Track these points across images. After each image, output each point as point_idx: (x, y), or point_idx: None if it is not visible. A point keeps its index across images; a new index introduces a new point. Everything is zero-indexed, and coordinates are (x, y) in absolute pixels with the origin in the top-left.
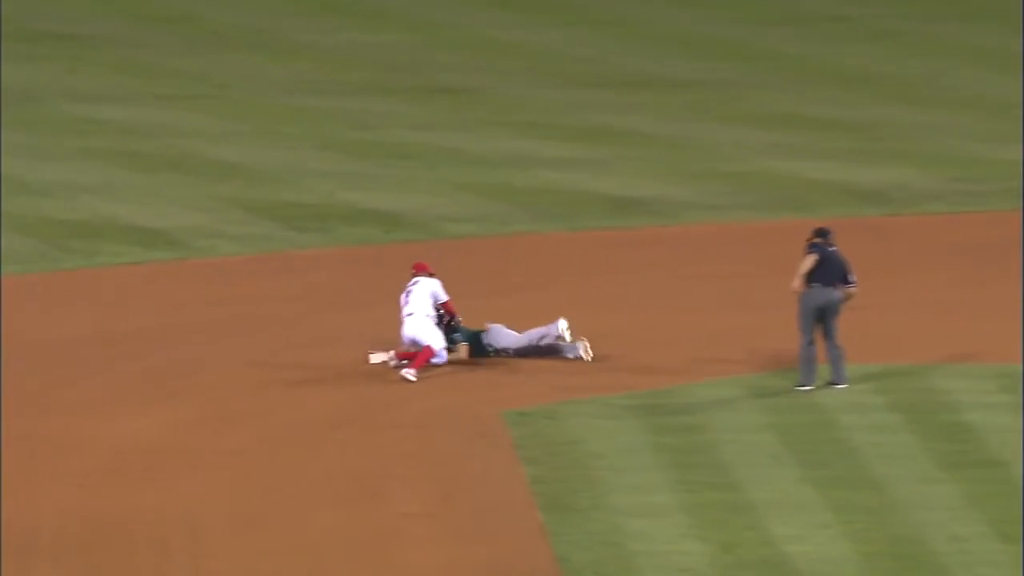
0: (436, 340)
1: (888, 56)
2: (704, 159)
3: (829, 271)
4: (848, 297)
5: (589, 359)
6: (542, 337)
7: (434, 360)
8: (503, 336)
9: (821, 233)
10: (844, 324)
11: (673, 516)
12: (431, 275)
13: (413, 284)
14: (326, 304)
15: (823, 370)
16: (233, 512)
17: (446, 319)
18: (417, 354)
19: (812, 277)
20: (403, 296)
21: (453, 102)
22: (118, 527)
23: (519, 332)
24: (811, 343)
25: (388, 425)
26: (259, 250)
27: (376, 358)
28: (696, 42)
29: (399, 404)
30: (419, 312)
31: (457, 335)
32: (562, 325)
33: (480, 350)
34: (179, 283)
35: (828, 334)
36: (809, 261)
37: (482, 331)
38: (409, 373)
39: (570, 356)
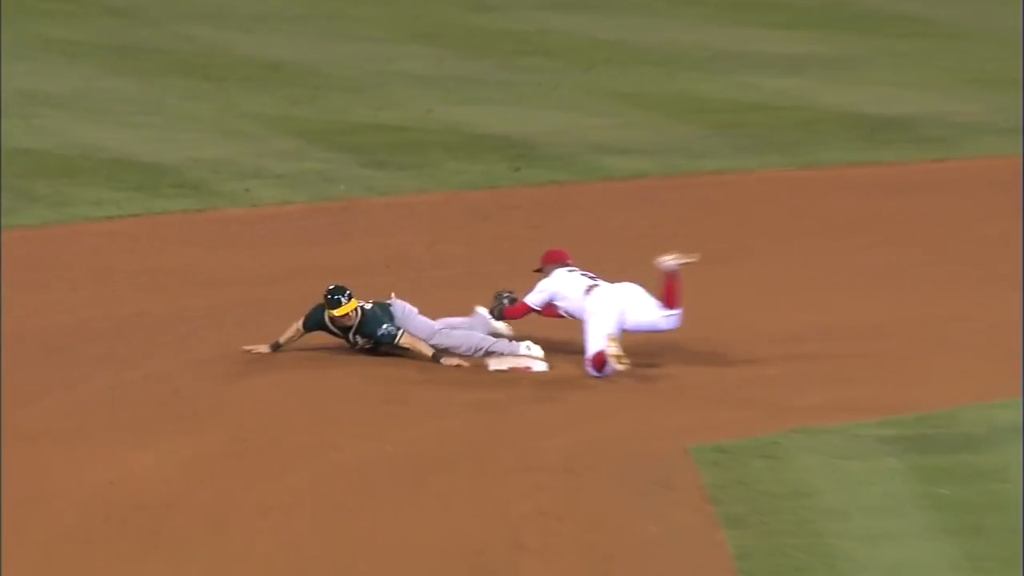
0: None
1: None
2: (1003, 58)
3: None
4: None
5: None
6: (471, 338)
7: (536, 368)
8: (413, 322)
9: None
10: None
11: None
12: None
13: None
14: (418, 280)
15: None
16: None
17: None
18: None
19: None
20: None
21: None
22: None
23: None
24: None
25: (514, 468)
26: (316, 197)
27: (500, 364)
28: None
29: (529, 436)
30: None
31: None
32: (483, 312)
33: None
34: (196, 247)
35: None
36: None
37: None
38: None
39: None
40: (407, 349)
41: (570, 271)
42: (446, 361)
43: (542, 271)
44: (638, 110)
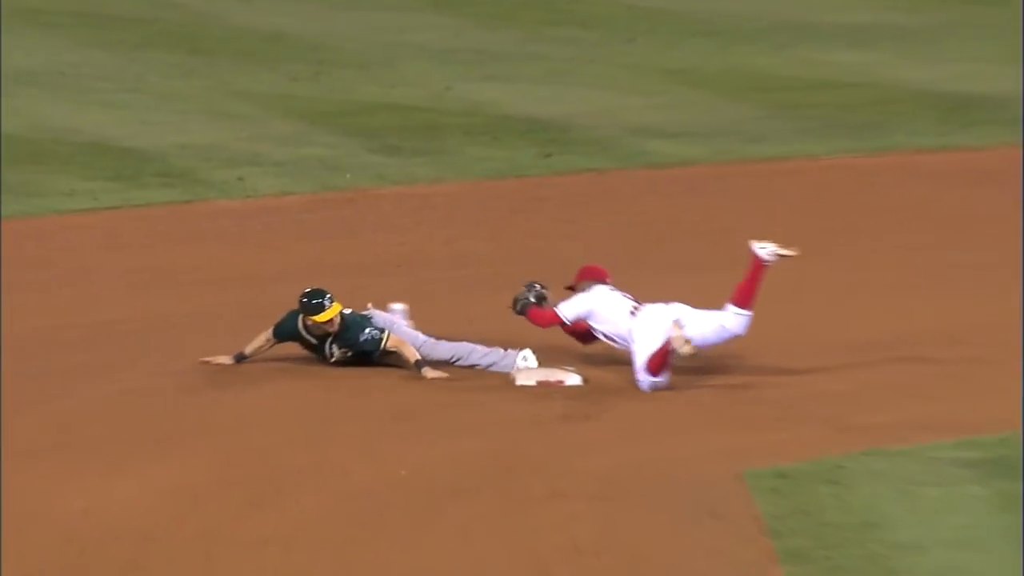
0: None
1: None
2: None
3: None
4: None
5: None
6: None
7: (569, 383)
8: (397, 330)
9: None
10: None
11: None
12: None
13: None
14: (435, 282)
15: None
16: None
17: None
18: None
19: None
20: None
21: None
22: None
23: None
24: None
25: (543, 495)
26: (320, 187)
27: (528, 378)
28: None
29: (560, 458)
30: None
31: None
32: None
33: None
34: (182, 244)
35: None
36: None
37: (360, 318)
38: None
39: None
40: (390, 354)
41: (611, 290)
42: (428, 373)
43: (575, 289)
44: (686, 88)
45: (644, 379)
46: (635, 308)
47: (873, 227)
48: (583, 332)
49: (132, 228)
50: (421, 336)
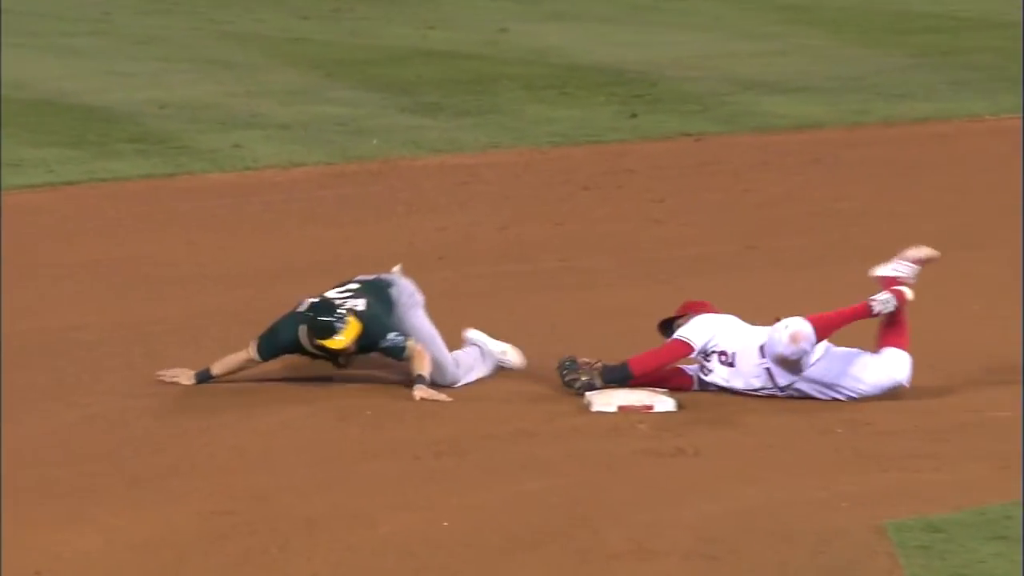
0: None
1: None
2: None
3: None
4: None
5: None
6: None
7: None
8: (412, 317)
9: None
10: None
11: None
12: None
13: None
14: (487, 278)
15: None
16: None
17: None
18: None
19: None
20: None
21: None
22: None
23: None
24: None
25: (624, 551)
26: (337, 156)
27: (606, 402)
28: None
29: (646, 505)
30: None
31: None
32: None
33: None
34: (162, 230)
35: None
36: None
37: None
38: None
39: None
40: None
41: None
42: (418, 392)
43: (673, 326)
44: (808, 30)
45: (799, 334)
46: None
47: None
48: (672, 373)
49: (96, 209)
50: (436, 333)
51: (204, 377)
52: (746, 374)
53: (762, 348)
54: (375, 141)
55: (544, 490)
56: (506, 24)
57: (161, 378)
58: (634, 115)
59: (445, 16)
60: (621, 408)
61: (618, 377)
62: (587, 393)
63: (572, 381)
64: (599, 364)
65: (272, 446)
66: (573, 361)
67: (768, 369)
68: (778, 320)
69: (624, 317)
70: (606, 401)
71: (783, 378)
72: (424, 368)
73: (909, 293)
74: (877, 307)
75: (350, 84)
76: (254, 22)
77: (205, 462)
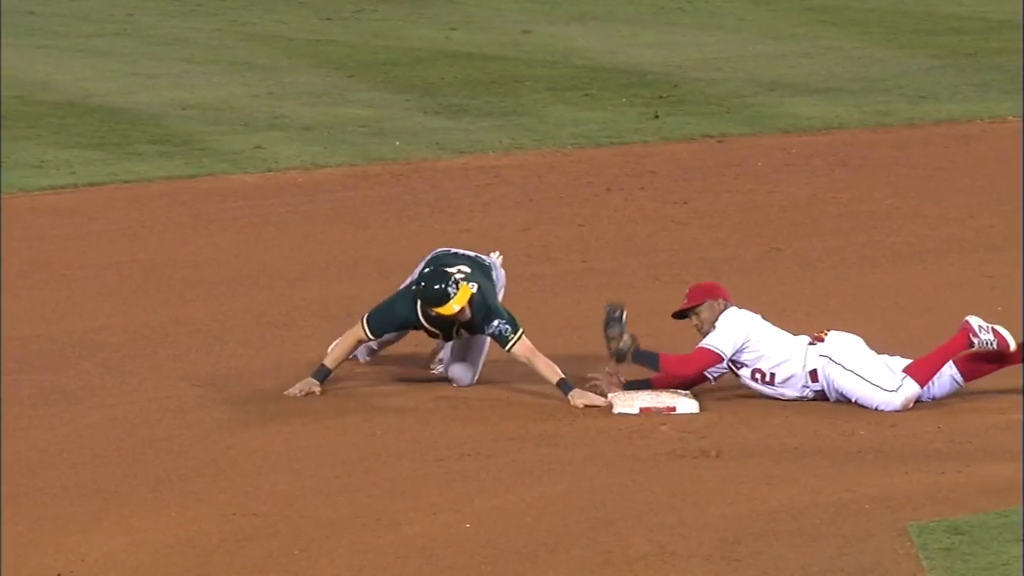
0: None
1: None
2: None
3: None
4: None
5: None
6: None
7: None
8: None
9: None
10: None
11: None
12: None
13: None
14: (511, 279)
15: None
16: None
17: None
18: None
19: None
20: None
21: None
22: None
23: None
24: None
25: (648, 554)
26: (360, 157)
27: (628, 404)
28: None
29: (670, 507)
30: None
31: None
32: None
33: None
34: (184, 231)
35: None
36: None
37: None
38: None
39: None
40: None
41: (749, 313)
42: (577, 399)
43: (691, 314)
44: (834, 31)
45: (906, 390)
46: (814, 339)
47: None
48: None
49: (119, 211)
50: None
51: (324, 375)
52: (789, 394)
53: (812, 373)
54: (398, 142)
55: (567, 492)
56: (529, 25)
57: (291, 395)
58: (657, 116)
59: (468, 17)
60: (643, 410)
61: (647, 362)
62: (609, 395)
63: (611, 338)
64: (638, 341)
65: (295, 448)
66: (622, 314)
67: (820, 390)
68: (837, 334)
69: (647, 319)
70: (628, 403)
71: (834, 395)
72: (553, 371)
73: (1012, 343)
74: (976, 341)
75: (373, 85)
76: (277, 23)
77: (228, 464)
